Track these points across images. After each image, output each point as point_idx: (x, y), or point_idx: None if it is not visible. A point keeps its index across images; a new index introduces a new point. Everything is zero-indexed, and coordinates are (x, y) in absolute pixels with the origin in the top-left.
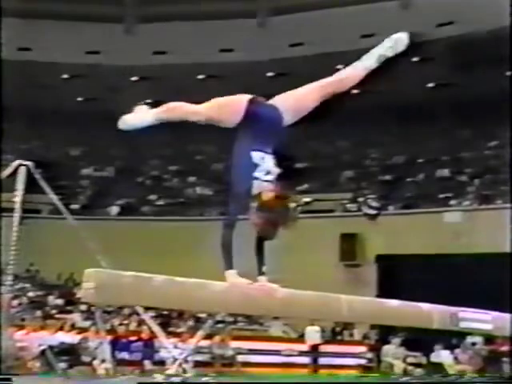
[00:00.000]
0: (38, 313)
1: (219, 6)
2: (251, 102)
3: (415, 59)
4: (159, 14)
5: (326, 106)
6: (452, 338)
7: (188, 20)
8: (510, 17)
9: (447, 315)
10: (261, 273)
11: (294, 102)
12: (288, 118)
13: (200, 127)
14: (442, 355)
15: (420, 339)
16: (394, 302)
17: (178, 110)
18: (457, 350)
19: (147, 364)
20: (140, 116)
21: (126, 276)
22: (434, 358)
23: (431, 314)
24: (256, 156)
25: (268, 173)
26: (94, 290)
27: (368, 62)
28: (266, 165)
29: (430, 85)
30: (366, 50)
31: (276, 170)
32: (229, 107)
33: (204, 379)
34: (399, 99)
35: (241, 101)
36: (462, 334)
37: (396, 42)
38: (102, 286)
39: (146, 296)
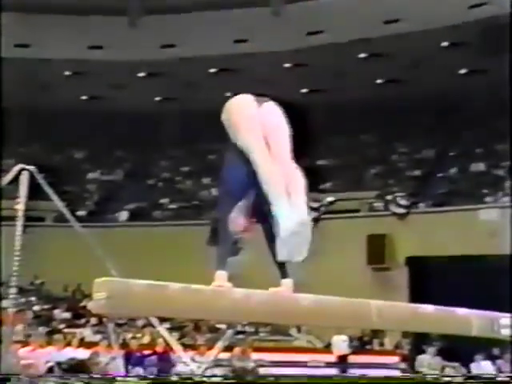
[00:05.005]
0: (44, 328)
1: None
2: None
3: (444, 44)
4: (166, 5)
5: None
6: (493, 347)
7: (198, 10)
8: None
9: (488, 321)
10: (283, 276)
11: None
12: None
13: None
14: (483, 366)
15: (458, 348)
16: (428, 308)
17: None
18: (499, 361)
19: None
20: None
21: (140, 285)
22: (474, 368)
23: (470, 320)
24: None
25: None
26: (105, 301)
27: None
28: None
29: (462, 71)
30: (391, 37)
31: None
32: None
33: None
34: (428, 87)
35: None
36: (505, 343)
37: None
38: (113, 296)
39: (161, 306)
